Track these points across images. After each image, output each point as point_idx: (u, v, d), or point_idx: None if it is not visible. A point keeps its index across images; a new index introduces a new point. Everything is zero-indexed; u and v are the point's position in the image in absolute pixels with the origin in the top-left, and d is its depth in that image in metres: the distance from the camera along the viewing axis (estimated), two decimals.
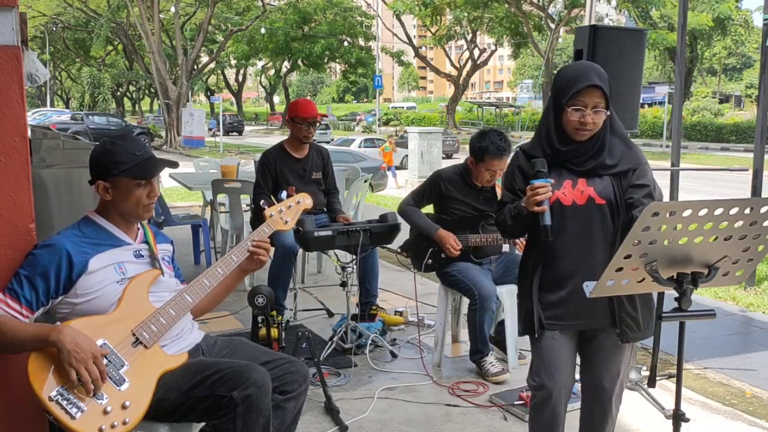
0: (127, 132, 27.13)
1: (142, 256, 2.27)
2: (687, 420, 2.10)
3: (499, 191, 3.83)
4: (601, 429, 2.47)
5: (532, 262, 2.38)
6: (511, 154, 2.89)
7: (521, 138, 29.52)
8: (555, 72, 2.42)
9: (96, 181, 2.20)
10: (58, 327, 1.96)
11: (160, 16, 28.82)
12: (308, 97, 46.00)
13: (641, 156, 2.34)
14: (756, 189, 5.84)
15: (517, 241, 3.81)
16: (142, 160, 2.21)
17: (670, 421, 2.12)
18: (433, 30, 38.06)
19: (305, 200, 2.56)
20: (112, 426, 1.93)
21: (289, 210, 2.51)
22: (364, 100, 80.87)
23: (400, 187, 15.77)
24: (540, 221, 2.22)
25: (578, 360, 2.51)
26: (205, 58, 34.74)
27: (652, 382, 2.64)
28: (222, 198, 6.20)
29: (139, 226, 2.33)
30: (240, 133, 41.82)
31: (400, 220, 4.04)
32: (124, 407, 1.97)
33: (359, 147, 21.35)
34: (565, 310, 2.33)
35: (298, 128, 4.61)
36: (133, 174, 2.19)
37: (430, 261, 3.86)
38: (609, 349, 2.38)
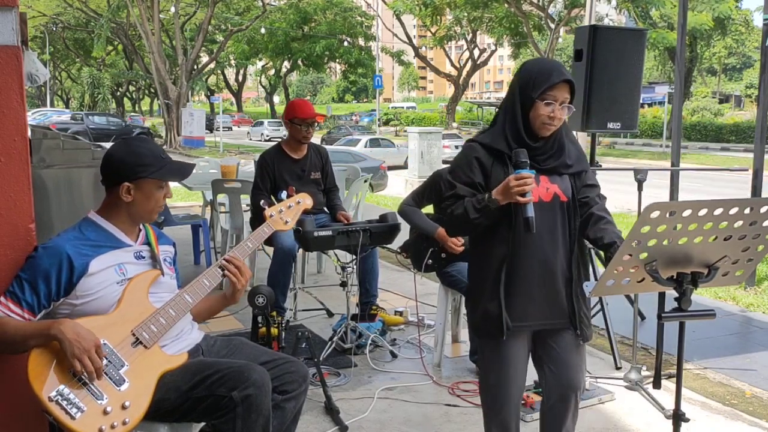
0: (128, 132, 27.18)
1: (143, 258, 2.27)
2: (687, 420, 2.11)
3: None
4: (570, 428, 2.45)
5: (498, 259, 2.28)
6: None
7: None
8: (520, 66, 2.40)
9: (121, 183, 2.18)
10: (58, 320, 1.98)
11: (160, 16, 28.83)
12: (308, 98, 46.02)
13: (587, 160, 2.42)
14: (756, 189, 5.84)
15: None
16: (167, 163, 2.24)
17: (670, 421, 2.13)
18: (433, 30, 38.04)
19: (305, 200, 2.56)
20: (112, 426, 1.94)
21: (289, 210, 2.51)
22: (364, 100, 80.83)
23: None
24: (522, 213, 2.17)
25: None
26: (205, 58, 34.74)
27: (657, 383, 2.65)
28: (222, 198, 6.19)
29: (141, 227, 2.33)
30: (210, 131, 41.61)
31: (400, 220, 4.05)
32: (124, 407, 1.97)
33: (365, 147, 21.36)
34: (529, 309, 2.29)
35: (296, 129, 4.60)
36: (161, 176, 2.21)
37: (430, 261, 3.86)
38: (572, 347, 2.36)
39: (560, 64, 2.29)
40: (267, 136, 36.81)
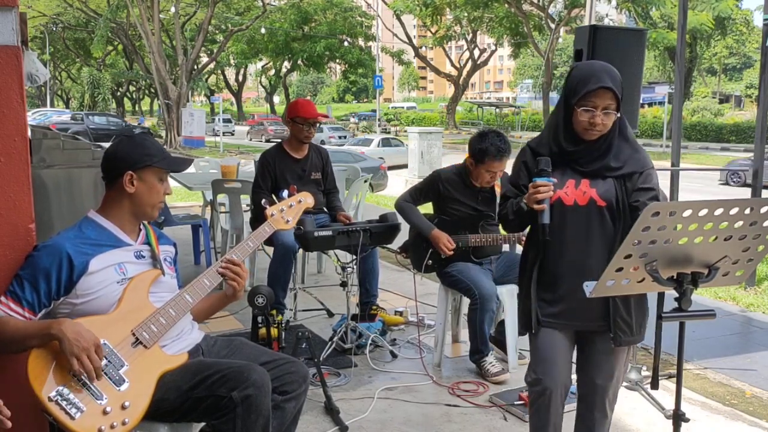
0: (128, 131, 27.20)
1: (143, 257, 2.27)
2: (687, 420, 2.11)
3: (498, 191, 3.83)
4: (595, 429, 2.47)
5: (531, 259, 2.40)
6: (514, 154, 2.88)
7: (521, 138, 29.52)
8: (569, 68, 2.42)
9: (124, 174, 2.20)
10: (58, 320, 1.98)
11: (160, 16, 28.80)
12: (308, 97, 46.32)
13: (648, 160, 2.34)
14: (756, 189, 5.84)
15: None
16: (169, 155, 2.29)
17: (670, 421, 2.13)
18: (433, 30, 38.06)
19: (306, 199, 2.56)
20: (112, 426, 1.93)
21: (290, 209, 2.51)
22: (364, 100, 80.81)
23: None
24: (538, 219, 2.23)
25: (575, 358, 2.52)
26: (205, 58, 34.73)
27: (655, 384, 2.66)
28: (222, 198, 6.20)
29: (141, 227, 2.33)
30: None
31: (399, 219, 4.04)
32: (123, 407, 1.97)
33: (378, 146, 21.53)
34: (561, 308, 2.34)
35: (299, 129, 4.60)
36: (166, 165, 2.25)
37: (430, 261, 3.86)
38: (604, 350, 2.38)
39: (604, 70, 2.24)
40: (217, 130, 38.05)
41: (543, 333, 2.39)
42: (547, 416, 2.44)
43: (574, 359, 2.50)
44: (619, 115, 2.25)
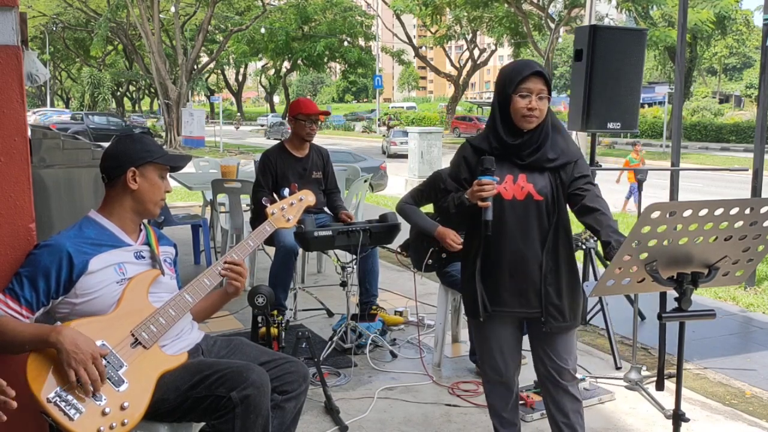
0: (128, 131, 27.20)
1: (143, 257, 2.27)
2: (687, 420, 2.11)
3: None
4: (566, 410, 2.53)
5: (475, 248, 2.48)
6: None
7: None
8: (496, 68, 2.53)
9: (126, 171, 2.21)
10: (57, 328, 1.96)
11: (160, 16, 28.80)
12: (308, 97, 46.09)
13: (578, 150, 2.48)
14: (756, 189, 5.83)
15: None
16: (167, 153, 2.32)
17: (670, 421, 2.13)
18: (433, 30, 38.03)
19: (308, 197, 2.56)
20: (111, 427, 1.93)
21: (291, 207, 2.50)
22: (364, 100, 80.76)
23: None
24: (482, 216, 2.32)
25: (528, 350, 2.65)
26: (205, 58, 34.72)
27: (660, 385, 2.69)
28: (222, 198, 6.20)
29: (141, 227, 2.33)
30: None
31: (400, 219, 4.04)
32: (122, 408, 1.97)
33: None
34: (503, 297, 2.44)
35: (301, 126, 4.60)
36: (165, 161, 2.27)
37: (430, 261, 3.85)
38: (546, 336, 2.48)
39: (532, 61, 2.43)
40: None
41: (490, 321, 2.48)
42: (505, 403, 2.62)
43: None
44: (550, 99, 2.38)
